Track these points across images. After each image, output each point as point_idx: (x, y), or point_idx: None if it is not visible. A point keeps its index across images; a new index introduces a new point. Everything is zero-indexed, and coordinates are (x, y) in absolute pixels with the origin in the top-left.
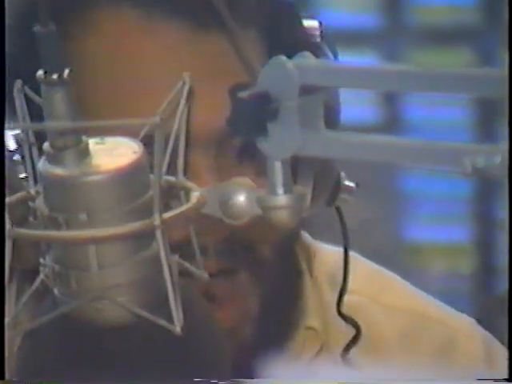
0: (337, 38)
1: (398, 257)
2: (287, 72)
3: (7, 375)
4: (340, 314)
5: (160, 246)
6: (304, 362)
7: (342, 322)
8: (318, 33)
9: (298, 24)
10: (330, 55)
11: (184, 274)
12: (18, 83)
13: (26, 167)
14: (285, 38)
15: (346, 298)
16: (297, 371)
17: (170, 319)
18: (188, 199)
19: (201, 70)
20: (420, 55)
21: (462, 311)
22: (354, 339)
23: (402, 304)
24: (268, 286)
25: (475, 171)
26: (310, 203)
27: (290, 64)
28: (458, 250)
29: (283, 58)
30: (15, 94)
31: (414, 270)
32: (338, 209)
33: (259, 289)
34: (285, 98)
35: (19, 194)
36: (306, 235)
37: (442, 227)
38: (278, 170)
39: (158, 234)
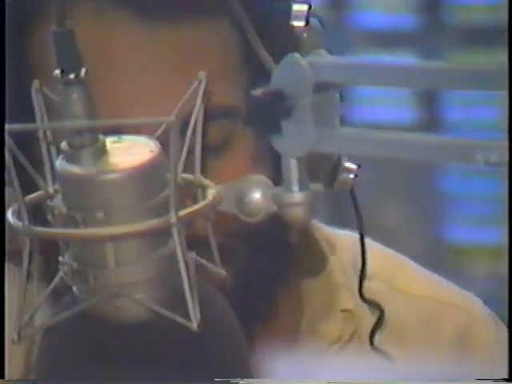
0: (374, 39)
1: (438, 258)
2: (301, 69)
3: (27, 373)
4: (362, 298)
5: (176, 243)
6: (339, 346)
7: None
8: (305, 16)
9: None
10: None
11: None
12: (36, 83)
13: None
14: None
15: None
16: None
17: (187, 316)
18: (205, 197)
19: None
20: (458, 55)
21: (503, 314)
22: (379, 321)
23: (417, 288)
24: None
25: (488, 166)
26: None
27: (303, 61)
28: (498, 251)
29: (297, 55)
30: (33, 93)
31: (455, 270)
32: (351, 192)
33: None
34: (299, 95)
35: (37, 193)
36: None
37: (483, 228)
38: (293, 168)
39: (175, 231)
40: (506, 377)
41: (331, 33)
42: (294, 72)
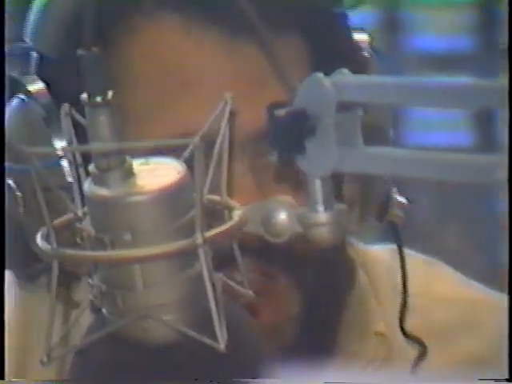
0: (429, 62)
1: (497, 282)
2: (324, 89)
3: None
4: (404, 333)
5: (203, 264)
6: (373, 369)
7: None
8: (366, 46)
9: (347, 36)
10: (379, 70)
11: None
12: (66, 106)
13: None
14: (332, 49)
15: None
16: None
17: (214, 337)
18: (231, 218)
19: (239, 78)
20: None
21: None
22: (420, 356)
23: (452, 292)
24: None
25: (502, 183)
26: (358, 217)
27: (326, 81)
28: None
29: (320, 75)
30: (62, 117)
31: None
32: (392, 224)
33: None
34: (322, 115)
35: (67, 216)
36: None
37: None
38: (317, 188)
39: (201, 252)
40: (507, 377)
41: (386, 56)
42: (317, 92)
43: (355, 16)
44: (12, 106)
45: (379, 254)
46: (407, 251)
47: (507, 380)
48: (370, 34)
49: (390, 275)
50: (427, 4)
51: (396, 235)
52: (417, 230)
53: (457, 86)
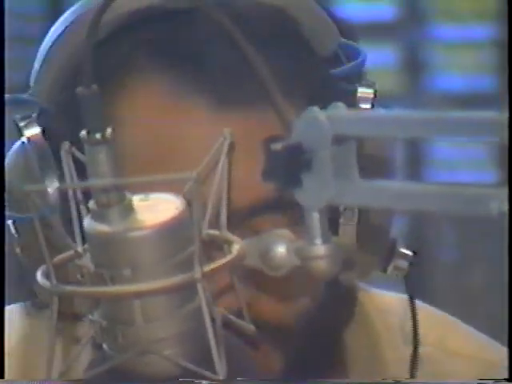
0: (452, 101)
1: None
2: (319, 123)
3: None
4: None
5: (202, 298)
6: None
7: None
8: (370, 100)
9: (351, 93)
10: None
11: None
12: (66, 144)
13: (73, 226)
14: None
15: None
16: None
17: (214, 370)
18: (230, 252)
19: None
20: None
21: None
22: None
23: (467, 349)
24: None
25: (502, 215)
26: (363, 269)
27: (322, 115)
28: None
29: (315, 109)
30: (62, 154)
31: None
32: (405, 279)
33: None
34: (318, 148)
35: (67, 253)
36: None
37: None
38: (315, 221)
39: (200, 287)
40: (507, 377)
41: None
42: (312, 126)
43: (378, 55)
44: (12, 149)
45: (392, 301)
46: (424, 305)
47: (507, 380)
48: (375, 90)
49: (403, 321)
50: (449, 43)
51: (405, 286)
52: (440, 271)
53: (453, 117)
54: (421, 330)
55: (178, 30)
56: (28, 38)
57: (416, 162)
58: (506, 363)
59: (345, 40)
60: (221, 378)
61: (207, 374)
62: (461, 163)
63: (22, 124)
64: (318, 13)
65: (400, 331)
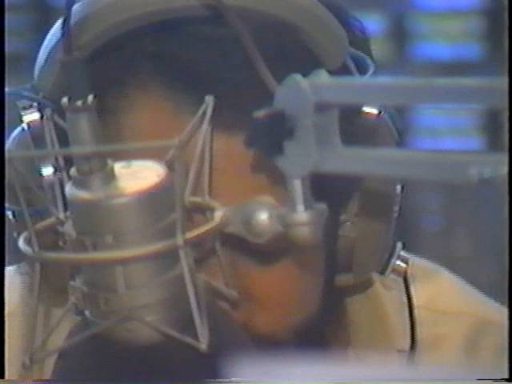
0: (437, 70)
1: (503, 286)
2: (302, 91)
3: None
4: None
5: (184, 265)
6: None
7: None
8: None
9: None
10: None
11: None
12: (47, 111)
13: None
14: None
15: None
16: None
17: (196, 336)
18: (212, 218)
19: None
20: None
21: None
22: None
23: (457, 306)
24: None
25: (482, 182)
26: (356, 272)
27: (304, 83)
28: None
29: (298, 76)
30: (44, 121)
31: None
32: (405, 281)
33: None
34: (300, 116)
35: (49, 220)
36: None
37: None
38: (297, 188)
39: (182, 253)
40: (506, 377)
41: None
42: (294, 93)
43: (364, 24)
44: (14, 136)
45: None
46: (417, 260)
47: (507, 380)
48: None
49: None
50: (434, 12)
51: (407, 289)
52: (424, 235)
53: (438, 84)
54: (414, 292)
55: (179, 41)
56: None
57: (399, 129)
58: (498, 319)
59: (355, 51)
60: (203, 344)
61: (189, 340)
62: (446, 130)
63: (23, 112)
64: (328, 23)
65: (402, 303)
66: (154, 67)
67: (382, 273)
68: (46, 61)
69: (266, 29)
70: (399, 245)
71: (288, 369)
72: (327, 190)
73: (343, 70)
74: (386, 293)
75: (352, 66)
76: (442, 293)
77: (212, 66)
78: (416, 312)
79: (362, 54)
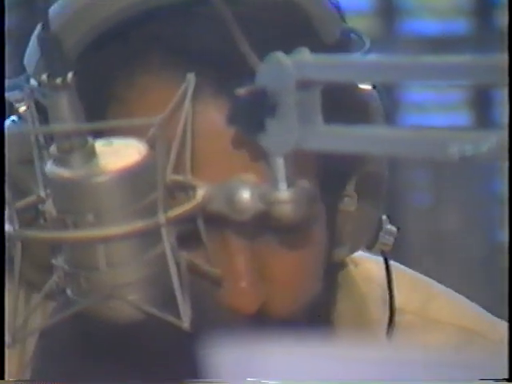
0: (425, 46)
1: (491, 260)
2: (284, 68)
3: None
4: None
5: (165, 243)
6: None
7: None
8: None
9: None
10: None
11: None
12: (27, 88)
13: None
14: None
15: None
16: None
17: (179, 315)
18: (194, 196)
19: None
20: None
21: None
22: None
23: (447, 315)
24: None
25: (463, 159)
26: (351, 246)
27: (286, 60)
28: None
29: (280, 54)
30: (25, 98)
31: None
32: (383, 254)
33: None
34: (282, 93)
35: (30, 198)
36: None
37: None
38: (279, 166)
39: (164, 232)
40: (506, 377)
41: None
42: (277, 70)
43: (352, 1)
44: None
45: (374, 266)
46: (409, 271)
47: (507, 380)
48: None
49: (383, 292)
50: None
51: (386, 263)
52: (413, 214)
53: (418, 61)
54: (403, 298)
55: (188, 25)
56: None
57: (387, 106)
58: (485, 330)
59: (347, 26)
60: (185, 323)
61: (171, 318)
62: (433, 106)
63: (17, 104)
64: (324, 1)
65: (383, 293)
66: (163, 51)
67: (369, 248)
68: (31, 49)
69: (269, 8)
70: (385, 218)
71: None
72: (331, 166)
73: (339, 46)
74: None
75: (345, 41)
76: (432, 301)
77: (223, 46)
78: (405, 318)
79: (356, 29)
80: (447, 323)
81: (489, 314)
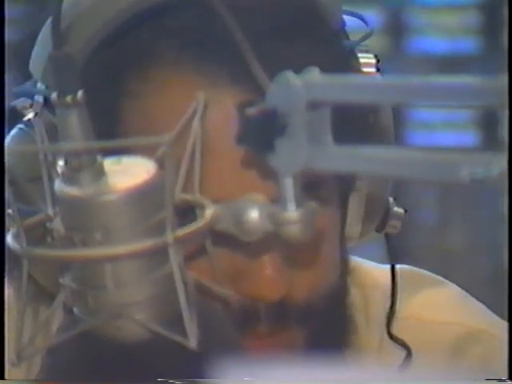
0: (433, 64)
1: (497, 281)
2: (294, 88)
3: None
4: (390, 335)
5: (173, 263)
6: None
7: None
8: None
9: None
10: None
11: None
12: (37, 106)
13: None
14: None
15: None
16: None
17: (186, 334)
18: (203, 216)
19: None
20: None
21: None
22: (405, 360)
23: (445, 315)
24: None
25: (474, 182)
26: (362, 229)
27: (296, 80)
28: None
29: (290, 73)
30: (34, 116)
31: None
32: (386, 235)
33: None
34: (292, 113)
35: (38, 216)
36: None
37: None
38: (288, 186)
39: (171, 251)
40: (506, 377)
41: (390, 58)
42: (287, 90)
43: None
44: (11, 135)
45: (379, 275)
46: (409, 270)
47: (507, 380)
48: (376, 56)
49: (386, 300)
50: (431, 6)
51: (389, 245)
52: (420, 233)
53: (428, 83)
54: (402, 305)
55: (202, 16)
56: None
57: (396, 125)
58: (488, 328)
59: (349, 10)
60: (192, 343)
61: (178, 338)
62: (441, 125)
63: (25, 112)
64: None
65: (384, 307)
66: (178, 43)
67: (378, 231)
68: (37, 54)
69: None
70: (392, 200)
71: (276, 370)
72: None
73: (342, 30)
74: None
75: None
76: (431, 303)
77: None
78: (403, 323)
79: (357, 13)
80: (445, 323)
81: (490, 313)
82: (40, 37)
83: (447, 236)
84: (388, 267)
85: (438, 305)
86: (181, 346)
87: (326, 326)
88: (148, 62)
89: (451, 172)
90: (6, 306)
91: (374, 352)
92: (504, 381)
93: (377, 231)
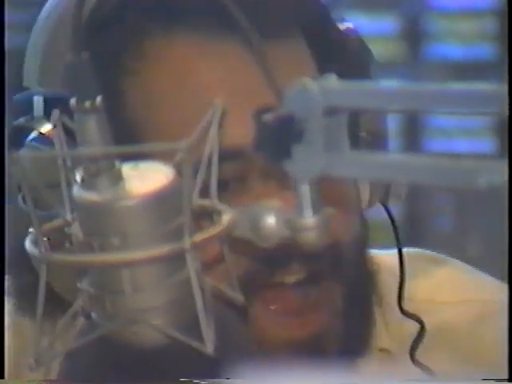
0: (452, 69)
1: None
2: (310, 94)
3: None
4: (402, 311)
5: (190, 268)
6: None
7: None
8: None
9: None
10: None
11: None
12: (56, 113)
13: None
14: (328, 43)
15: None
16: None
17: (202, 340)
18: (220, 222)
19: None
20: None
21: None
22: (419, 335)
23: (459, 295)
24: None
25: (491, 189)
26: (369, 200)
27: (313, 86)
28: None
29: (307, 79)
30: (53, 123)
31: None
32: (385, 207)
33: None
34: (309, 119)
35: (57, 221)
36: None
37: None
38: (305, 192)
39: (189, 257)
40: (507, 377)
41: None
42: (304, 96)
43: (378, 24)
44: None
45: (390, 260)
46: (420, 253)
47: (507, 380)
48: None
49: (396, 282)
50: (449, 13)
51: (390, 216)
52: (437, 239)
53: (448, 90)
54: (413, 289)
55: None
56: None
57: (413, 131)
58: (501, 298)
59: None
60: (209, 348)
61: (195, 343)
62: (457, 132)
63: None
64: None
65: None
66: (166, 22)
67: (383, 202)
68: (43, 60)
69: None
70: None
71: (288, 376)
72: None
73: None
74: None
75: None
76: (443, 284)
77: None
78: (415, 306)
79: None
80: (459, 301)
81: (502, 284)
82: (30, 48)
83: (464, 243)
84: (395, 251)
85: (449, 285)
86: (197, 351)
87: (355, 279)
88: (141, 39)
89: (468, 179)
90: (6, 306)
91: (390, 329)
92: (504, 381)
93: (381, 202)
